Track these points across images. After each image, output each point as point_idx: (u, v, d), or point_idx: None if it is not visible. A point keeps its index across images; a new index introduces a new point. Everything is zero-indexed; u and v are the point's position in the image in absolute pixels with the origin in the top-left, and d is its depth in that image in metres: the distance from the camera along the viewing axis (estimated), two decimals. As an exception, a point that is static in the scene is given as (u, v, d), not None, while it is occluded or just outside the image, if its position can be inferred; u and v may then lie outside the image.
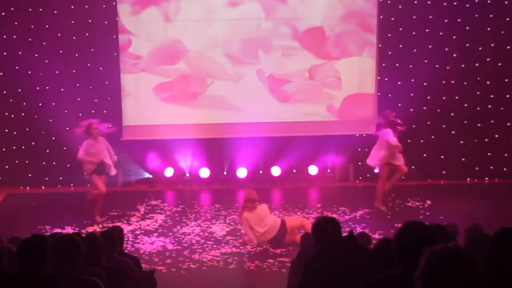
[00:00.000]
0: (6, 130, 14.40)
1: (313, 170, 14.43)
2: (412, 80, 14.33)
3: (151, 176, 14.42)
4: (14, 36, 14.13)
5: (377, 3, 14.30)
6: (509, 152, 14.60)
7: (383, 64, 14.37)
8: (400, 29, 14.32)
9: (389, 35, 14.35)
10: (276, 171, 14.40)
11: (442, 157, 14.58)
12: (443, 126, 14.55)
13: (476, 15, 14.30)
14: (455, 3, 14.32)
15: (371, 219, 11.57)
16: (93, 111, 14.23)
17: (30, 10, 14.10)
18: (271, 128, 14.37)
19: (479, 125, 14.53)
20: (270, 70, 14.37)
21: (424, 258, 2.88)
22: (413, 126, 14.40)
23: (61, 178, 14.45)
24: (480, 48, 14.38)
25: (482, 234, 5.89)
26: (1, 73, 14.32)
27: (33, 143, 14.39)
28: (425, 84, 14.33)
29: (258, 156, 14.23)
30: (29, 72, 14.15)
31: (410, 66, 14.34)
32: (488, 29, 14.34)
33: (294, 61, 14.36)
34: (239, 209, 10.96)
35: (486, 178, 14.55)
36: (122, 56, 14.24)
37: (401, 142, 11.90)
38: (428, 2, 14.34)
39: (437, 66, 14.32)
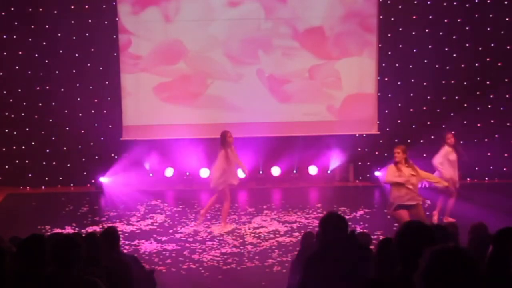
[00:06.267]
0: (6, 130, 14.39)
1: (313, 170, 14.42)
2: (412, 80, 14.33)
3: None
4: (14, 36, 14.13)
5: (377, 3, 14.30)
6: (509, 152, 14.59)
7: (383, 64, 14.36)
8: (400, 29, 14.32)
9: (389, 35, 14.34)
10: (276, 171, 14.39)
11: (442, 157, 14.56)
12: (443, 126, 14.53)
13: (476, 15, 14.30)
14: (455, 3, 14.32)
15: (371, 219, 11.57)
16: (93, 111, 14.24)
17: (30, 10, 14.09)
18: (271, 128, 14.36)
19: (479, 125, 14.52)
20: (270, 70, 14.37)
21: (424, 258, 2.87)
22: (413, 126, 14.40)
23: (61, 178, 14.45)
24: (480, 48, 14.37)
25: (486, 233, 5.87)
26: (1, 73, 14.32)
27: (33, 143, 14.37)
28: (425, 84, 14.33)
29: (258, 156, 14.21)
30: (29, 72, 14.15)
31: (410, 66, 14.33)
32: (488, 29, 14.33)
33: (294, 61, 14.35)
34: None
35: (486, 178, 14.55)
36: (122, 56, 14.24)
37: None
38: (428, 2, 14.33)
39: (437, 66, 14.32)
